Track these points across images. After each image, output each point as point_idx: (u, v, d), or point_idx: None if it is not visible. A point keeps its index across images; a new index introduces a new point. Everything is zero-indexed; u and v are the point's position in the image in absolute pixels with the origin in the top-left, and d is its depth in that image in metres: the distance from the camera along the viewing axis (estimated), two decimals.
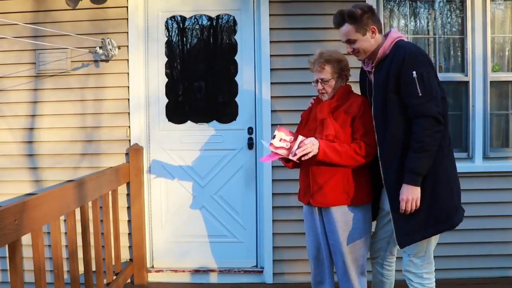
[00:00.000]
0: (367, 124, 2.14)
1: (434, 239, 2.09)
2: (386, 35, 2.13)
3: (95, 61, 3.26)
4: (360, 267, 2.24)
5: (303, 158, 2.10)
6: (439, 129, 1.94)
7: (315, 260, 2.37)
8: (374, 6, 3.16)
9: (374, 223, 2.37)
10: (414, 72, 1.94)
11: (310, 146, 2.07)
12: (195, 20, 3.50)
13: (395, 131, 2.02)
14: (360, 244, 2.22)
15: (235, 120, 3.36)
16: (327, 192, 2.19)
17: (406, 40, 2.14)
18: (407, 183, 1.98)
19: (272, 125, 3.19)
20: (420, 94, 1.94)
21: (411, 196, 1.97)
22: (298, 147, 2.08)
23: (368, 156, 2.13)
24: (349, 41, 2.10)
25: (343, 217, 2.19)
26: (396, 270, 2.38)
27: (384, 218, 2.26)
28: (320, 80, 2.24)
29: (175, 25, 3.49)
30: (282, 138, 2.10)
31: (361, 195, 2.19)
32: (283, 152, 2.11)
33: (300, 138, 2.11)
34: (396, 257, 2.37)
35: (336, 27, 2.14)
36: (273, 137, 2.11)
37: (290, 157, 2.10)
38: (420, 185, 1.98)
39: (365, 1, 3.14)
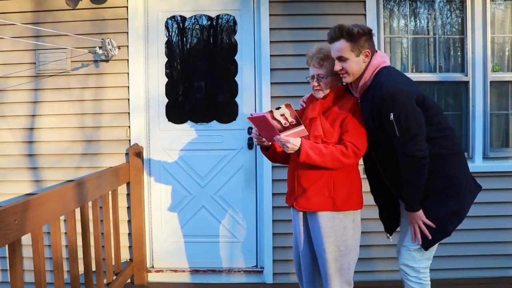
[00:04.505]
0: (356, 125, 2.07)
1: None
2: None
3: (95, 61, 3.26)
4: (344, 275, 2.12)
5: (282, 148, 2.01)
6: (421, 164, 1.93)
7: (296, 261, 2.35)
8: (374, 6, 3.18)
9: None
10: (392, 114, 1.91)
11: (291, 146, 1.98)
12: (195, 20, 3.50)
13: (389, 150, 2.02)
14: (346, 251, 2.10)
15: (235, 120, 3.36)
16: (311, 196, 2.10)
17: (387, 65, 2.07)
18: (406, 210, 2.05)
19: None
20: (398, 135, 1.92)
21: (414, 220, 2.02)
22: (289, 134, 1.97)
23: (355, 157, 2.04)
24: (341, 59, 2.03)
25: (327, 223, 2.08)
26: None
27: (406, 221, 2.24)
28: (316, 76, 2.14)
29: (175, 25, 3.49)
30: (284, 115, 1.97)
31: (348, 200, 2.10)
32: (276, 126, 1.97)
33: (302, 128, 1.98)
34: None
35: (330, 41, 2.07)
36: (277, 108, 1.98)
37: (276, 137, 1.99)
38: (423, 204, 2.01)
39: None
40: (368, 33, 2.03)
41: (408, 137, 1.91)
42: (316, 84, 2.15)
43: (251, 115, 2.11)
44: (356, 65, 2.02)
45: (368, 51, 2.02)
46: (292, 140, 1.97)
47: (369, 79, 2.02)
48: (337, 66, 2.05)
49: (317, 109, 2.14)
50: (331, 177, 2.08)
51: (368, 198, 2.45)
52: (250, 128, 3.31)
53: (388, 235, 2.32)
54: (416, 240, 2.04)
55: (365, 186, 2.28)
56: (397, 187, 2.07)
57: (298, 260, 2.32)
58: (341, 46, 2.01)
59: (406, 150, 1.92)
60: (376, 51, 2.08)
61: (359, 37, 1.99)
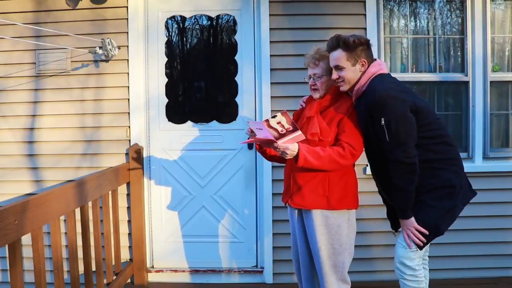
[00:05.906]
0: (353, 126, 2.10)
1: None
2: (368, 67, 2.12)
3: (95, 61, 3.26)
4: (339, 273, 2.14)
5: (279, 154, 2.03)
6: (409, 170, 1.96)
7: (295, 260, 2.36)
8: (374, 6, 3.19)
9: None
10: (382, 119, 1.95)
11: (290, 152, 1.99)
12: (195, 20, 3.50)
13: (380, 156, 2.04)
14: (340, 250, 2.13)
15: (235, 120, 3.36)
16: (306, 194, 2.13)
17: (384, 72, 2.11)
18: (398, 217, 2.07)
19: None
20: (388, 140, 1.96)
21: (406, 227, 2.04)
22: (286, 141, 1.98)
23: (352, 158, 2.07)
24: (337, 67, 2.09)
25: (321, 221, 2.11)
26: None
27: None
28: (312, 76, 2.20)
29: (175, 25, 3.49)
30: (281, 122, 2.00)
31: (343, 200, 2.12)
32: (273, 134, 1.99)
33: (299, 133, 1.99)
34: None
35: (328, 50, 2.13)
36: (273, 116, 2.01)
37: (274, 145, 1.98)
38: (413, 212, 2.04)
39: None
40: (365, 43, 2.09)
41: (396, 143, 1.95)
42: (312, 83, 2.21)
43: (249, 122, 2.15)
44: (352, 74, 2.08)
45: (364, 61, 2.09)
46: (290, 146, 2.00)
47: (364, 84, 2.07)
48: (334, 75, 2.11)
49: (315, 108, 2.18)
50: (326, 175, 2.11)
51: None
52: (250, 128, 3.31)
53: (394, 232, 2.34)
54: (411, 243, 2.06)
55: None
56: (389, 193, 2.10)
57: (297, 259, 2.34)
58: (338, 55, 2.08)
59: (394, 156, 1.96)
60: (375, 60, 2.14)
61: (356, 47, 2.06)
